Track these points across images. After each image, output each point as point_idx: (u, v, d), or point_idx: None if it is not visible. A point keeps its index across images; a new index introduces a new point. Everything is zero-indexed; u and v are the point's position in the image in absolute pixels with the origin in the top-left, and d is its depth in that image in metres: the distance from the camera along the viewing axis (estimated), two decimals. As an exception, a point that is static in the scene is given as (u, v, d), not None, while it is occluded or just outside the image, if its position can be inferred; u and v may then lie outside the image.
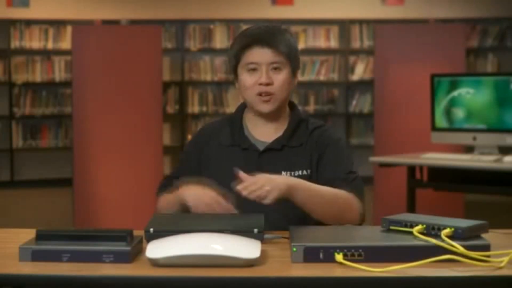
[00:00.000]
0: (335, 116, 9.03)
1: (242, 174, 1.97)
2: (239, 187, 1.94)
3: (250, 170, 2.14)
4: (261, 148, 2.24)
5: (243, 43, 2.20)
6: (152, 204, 2.46)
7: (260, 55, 2.18)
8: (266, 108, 2.21)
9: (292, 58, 2.22)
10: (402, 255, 1.65)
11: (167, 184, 2.32)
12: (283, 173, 2.18)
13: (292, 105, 2.32)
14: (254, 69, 2.19)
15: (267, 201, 1.93)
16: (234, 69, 2.25)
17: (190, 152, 2.34)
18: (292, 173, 2.19)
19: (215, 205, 2.06)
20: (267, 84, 2.18)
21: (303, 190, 2.03)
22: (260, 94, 2.19)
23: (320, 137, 2.24)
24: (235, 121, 2.30)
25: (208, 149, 2.29)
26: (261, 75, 2.18)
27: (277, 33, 2.22)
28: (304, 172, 2.20)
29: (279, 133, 2.25)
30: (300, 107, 9.35)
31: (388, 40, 6.24)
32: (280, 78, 2.20)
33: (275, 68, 2.19)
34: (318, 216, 2.08)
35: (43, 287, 1.63)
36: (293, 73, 2.25)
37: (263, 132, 2.26)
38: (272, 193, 1.94)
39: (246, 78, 2.20)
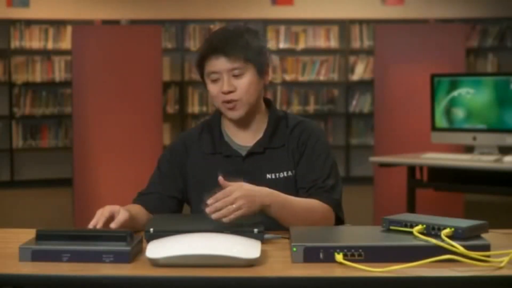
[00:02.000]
0: (335, 116, 9.03)
1: (222, 181, 1.93)
2: (208, 210, 1.88)
3: (235, 176, 2.13)
4: (243, 153, 2.20)
5: (201, 53, 2.17)
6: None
7: (217, 64, 2.14)
8: (233, 115, 2.17)
9: (254, 60, 2.16)
10: (402, 255, 1.65)
11: (142, 197, 2.25)
12: (267, 176, 2.16)
13: (268, 103, 2.27)
14: (216, 79, 2.15)
15: (227, 220, 1.88)
16: (202, 78, 2.22)
17: (170, 162, 2.26)
18: (277, 174, 2.16)
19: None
20: (229, 92, 2.14)
21: (278, 207, 1.99)
22: (224, 102, 2.16)
23: (300, 136, 2.21)
24: (214, 127, 2.26)
25: (191, 158, 2.23)
26: (222, 84, 2.14)
27: (232, 38, 2.15)
28: (289, 173, 2.17)
29: (259, 135, 2.22)
30: (300, 107, 9.36)
31: (388, 40, 6.24)
32: (242, 83, 2.15)
33: (236, 75, 2.15)
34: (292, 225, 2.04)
35: (43, 287, 1.63)
36: (260, 73, 2.18)
37: (243, 137, 2.23)
38: (237, 213, 1.89)
39: (211, 88, 2.17)
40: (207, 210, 1.88)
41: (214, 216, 1.88)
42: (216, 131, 2.25)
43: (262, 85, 2.21)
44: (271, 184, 2.12)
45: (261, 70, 2.19)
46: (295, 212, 2.03)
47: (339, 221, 2.16)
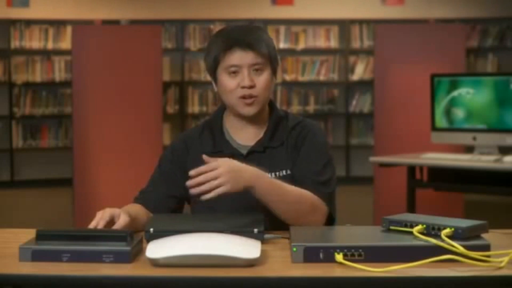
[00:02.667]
0: (335, 116, 9.03)
1: (207, 158, 1.92)
2: (188, 184, 1.88)
3: None
4: (244, 152, 2.20)
5: (223, 45, 2.14)
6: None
7: (241, 57, 2.12)
8: (249, 111, 2.16)
9: (272, 58, 2.18)
10: (402, 255, 1.65)
11: (143, 195, 2.25)
12: (268, 175, 2.14)
13: (270, 104, 2.27)
14: (235, 72, 2.14)
15: (207, 197, 1.88)
16: (213, 72, 2.19)
17: (171, 162, 2.26)
18: (277, 173, 2.16)
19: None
20: (250, 87, 2.13)
21: (264, 189, 1.98)
22: (243, 97, 2.14)
23: (299, 135, 2.20)
24: (215, 126, 2.25)
25: (191, 157, 2.22)
26: (243, 78, 2.13)
27: (256, 34, 2.16)
28: (288, 172, 2.17)
29: (260, 134, 2.22)
30: (300, 107, 9.35)
31: (388, 40, 6.24)
32: (262, 79, 2.15)
33: (257, 70, 2.14)
34: (279, 214, 2.03)
35: (43, 287, 1.63)
36: (274, 72, 2.21)
37: (245, 135, 2.22)
38: (218, 190, 1.88)
39: (228, 81, 2.15)
40: (188, 183, 1.87)
41: (193, 191, 1.87)
42: (217, 129, 2.24)
43: (273, 85, 2.23)
44: None
45: (275, 69, 2.21)
46: (283, 198, 2.01)
47: (331, 219, 2.15)
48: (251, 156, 2.19)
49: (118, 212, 1.95)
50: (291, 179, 2.15)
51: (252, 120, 2.20)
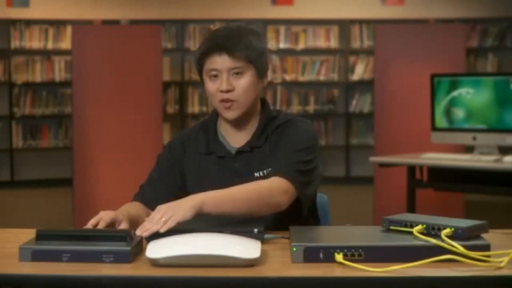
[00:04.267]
0: (335, 116, 9.03)
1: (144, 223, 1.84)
2: (138, 232, 1.81)
3: (226, 175, 2.14)
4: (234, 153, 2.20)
5: (203, 49, 2.15)
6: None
7: (219, 61, 2.12)
8: (229, 115, 2.15)
9: (255, 61, 2.15)
10: (402, 255, 1.65)
11: (142, 192, 2.25)
12: (255, 174, 2.15)
13: (263, 103, 2.26)
14: (215, 76, 2.14)
15: (163, 229, 1.79)
16: (199, 75, 2.20)
17: (169, 159, 2.26)
18: (265, 171, 2.14)
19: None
20: (228, 91, 2.12)
21: (212, 200, 1.92)
22: (222, 101, 2.14)
23: (282, 131, 2.18)
24: (210, 127, 2.25)
25: (187, 158, 2.24)
26: (221, 82, 2.13)
27: (236, 37, 2.13)
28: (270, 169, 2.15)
29: (250, 136, 2.21)
30: (300, 107, 9.35)
31: (388, 40, 6.24)
32: (241, 83, 2.13)
33: (236, 73, 2.13)
34: (242, 216, 1.99)
35: (43, 287, 1.63)
36: (260, 74, 2.18)
37: (236, 138, 2.22)
38: (172, 219, 1.81)
39: (209, 85, 2.16)
40: (137, 232, 1.80)
41: (145, 234, 1.79)
42: (211, 131, 2.25)
43: (260, 87, 2.20)
44: None
45: (261, 72, 2.18)
46: (234, 202, 1.96)
47: (315, 218, 2.13)
48: (239, 156, 2.19)
49: (121, 219, 1.95)
50: None
51: (239, 124, 2.20)
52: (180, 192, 2.21)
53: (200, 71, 2.19)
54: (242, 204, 1.97)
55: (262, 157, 2.18)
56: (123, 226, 1.94)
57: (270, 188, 2.03)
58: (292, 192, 2.06)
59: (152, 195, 2.22)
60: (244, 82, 2.14)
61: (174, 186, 2.23)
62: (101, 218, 1.91)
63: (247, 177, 2.12)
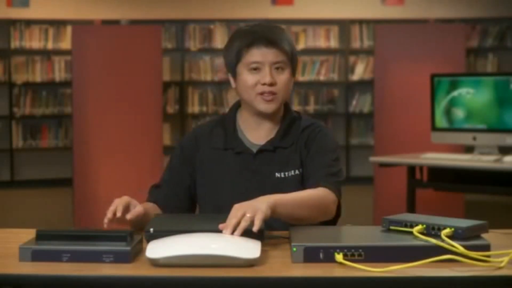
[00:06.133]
0: (335, 116, 9.03)
1: (221, 225, 1.80)
2: (224, 231, 1.77)
3: (244, 173, 2.15)
4: (254, 150, 2.19)
5: (246, 40, 2.14)
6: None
7: (264, 54, 2.13)
8: (268, 108, 2.16)
9: (293, 59, 2.19)
10: (402, 255, 1.65)
11: (154, 192, 2.27)
12: (276, 174, 2.15)
13: (285, 104, 2.28)
14: (256, 68, 2.14)
15: (256, 227, 1.76)
16: (233, 68, 2.19)
17: (180, 158, 2.26)
18: (286, 173, 2.16)
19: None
20: (271, 84, 2.14)
21: (284, 204, 1.92)
22: (262, 94, 2.14)
23: (309, 136, 2.21)
24: (229, 122, 2.24)
25: (201, 154, 2.23)
26: (264, 75, 2.13)
27: (279, 32, 2.17)
28: (297, 172, 2.17)
29: (272, 133, 2.22)
30: (300, 107, 9.36)
31: (388, 40, 6.24)
32: (283, 78, 2.16)
33: (278, 68, 2.15)
34: (301, 222, 1.98)
35: (43, 287, 1.63)
36: (294, 73, 2.22)
37: (257, 134, 2.22)
38: (258, 217, 1.78)
39: (248, 77, 2.15)
40: (227, 231, 1.76)
41: (237, 233, 1.75)
42: (230, 126, 2.23)
43: (291, 85, 2.23)
44: (279, 182, 2.14)
45: (295, 71, 2.22)
46: (301, 204, 1.98)
47: (338, 210, 2.16)
48: (260, 154, 2.19)
49: (135, 202, 2.00)
50: (299, 179, 2.15)
51: (267, 118, 2.20)
52: (190, 192, 2.22)
53: (234, 64, 2.17)
54: (307, 209, 2.00)
55: (286, 159, 2.18)
56: (138, 208, 1.98)
57: (325, 198, 2.07)
58: (336, 203, 2.12)
59: (164, 195, 2.23)
60: (284, 78, 2.17)
61: (185, 185, 2.24)
62: (119, 203, 1.95)
63: (267, 177, 2.14)
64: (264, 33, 2.14)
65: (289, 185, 2.13)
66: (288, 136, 2.21)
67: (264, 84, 2.14)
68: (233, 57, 2.17)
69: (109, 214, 1.92)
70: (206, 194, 2.20)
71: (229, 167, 2.18)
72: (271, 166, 2.17)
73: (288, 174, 2.16)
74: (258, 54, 2.13)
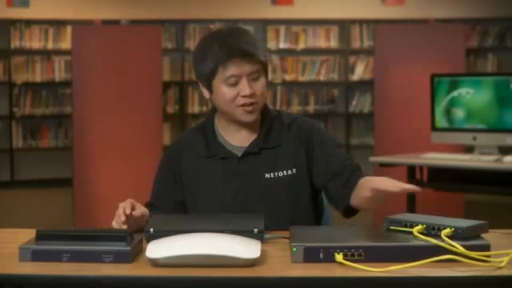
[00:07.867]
0: (335, 116, 9.03)
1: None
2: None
3: (232, 177, 2.14)
4: (238, 154, 2.18)
5: (221, 57, 2.10)
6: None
7: (241, 67, 2.10)
8: (250, 118, 2.15)
9: (267, 63, 2.18)
10: (402, 255, 1.65)
11: (150, 210, 2.22)
12: (266, 175, 2.15)
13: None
14: (235, 82, 2.11)
15: (412, 186, 1.89)
16: (208, 82, 2.16)
17: (164, 174, 2.26)
18: (276, 174, 2.15)
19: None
20: (251, 96, 2.12)
21: None
22: (243, 105, 2.13)
23: (300, 134, 2.20)
24: (208, 130, 2.23)
25: (184, 164, 2.22)
26: (243, 87, 2.11)
27: (251, 41, 2.13)
28: (289, 172, 2.16)
29: (254, 135, 2.21)
30: (300, 107, 9.32)
31: (388, 40, 6.24)
32: (260, 86, 2.14)
33: (254, 78, 2.13)
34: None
35: (43, 287, 1.63)
36: (267, 74, 2.19)
37: (239, 136, 2.21)
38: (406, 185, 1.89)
39: (226, 91, 2.12)
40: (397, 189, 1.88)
41: (398, 190, 1.88)
42: (209, 133, 2.23)
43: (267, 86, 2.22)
44: (271, 183, 2.13)
45: (267, 71, 2.20)
46: None
47: None
48: (246, 158, 2.18)
49: (139, 204, 2.02)
50: (296, 179, 2.15)
51: (247, 123, 2.19)
52: (180, 199, 2.23)
53: (210, 79, 2.15)
54: None
55: (275, 159, 2.17)
56: (143, 208, 2.02)
57: None
58: None
59: (161, 207, 2.23)
60: (261, 85, 2.15)
61: (175, 197, 2.24)
62: (124, 207, 1.96)
63: (257, 179, 2.13)
64: (239, 46, 2.10)
65: (281, 186, 2.13)
66: (272, 136, 2.20)
67: (244, 96, 2.12)
68: (207, 73, 2.15)
69: (122, 217, 1.94)
70: (196, 203, 2.20)
71: (216, 173, 2.17)
72: (259, 168, 2.16)
73: (278, 174, 2.16)
74: (235, 69, 2.11)
